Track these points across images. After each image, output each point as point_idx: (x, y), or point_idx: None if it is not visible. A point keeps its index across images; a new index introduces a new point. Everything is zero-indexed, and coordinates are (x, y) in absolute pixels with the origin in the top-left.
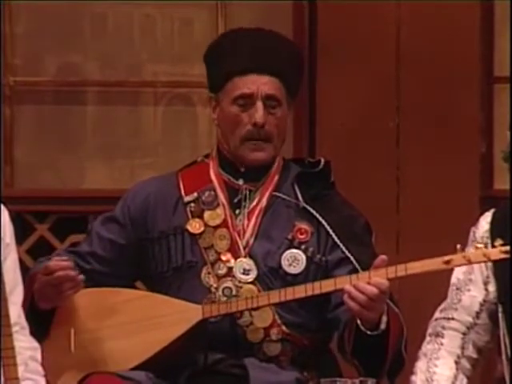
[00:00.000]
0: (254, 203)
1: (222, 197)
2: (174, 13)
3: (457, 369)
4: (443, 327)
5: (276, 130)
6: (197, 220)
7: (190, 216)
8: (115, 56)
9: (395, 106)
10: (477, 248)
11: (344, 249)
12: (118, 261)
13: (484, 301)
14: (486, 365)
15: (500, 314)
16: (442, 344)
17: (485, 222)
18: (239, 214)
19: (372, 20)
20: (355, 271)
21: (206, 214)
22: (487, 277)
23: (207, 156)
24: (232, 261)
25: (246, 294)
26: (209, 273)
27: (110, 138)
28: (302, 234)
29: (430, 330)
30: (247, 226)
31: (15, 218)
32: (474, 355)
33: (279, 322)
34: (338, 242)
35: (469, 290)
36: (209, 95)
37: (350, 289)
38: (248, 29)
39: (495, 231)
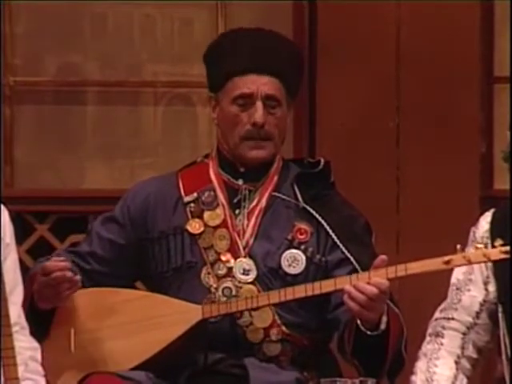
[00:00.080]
0: (254, 203)
1: (221, 197)
2: (174, 13)
3: (457, 369)
4: (443, 327)
5: (276, 129)
6: (196, 220)
7: (189, 216)
8: (115, 56)
9: (395, 106)
10: (477, 248)
11: (344, 249)
12: (117, 261)
13: (484, 301)
14: (485, 365)
15: (500, 314)
16: (442, 344)
17: (485, 221)
18: (239, 214)
19: (372, 20)
20: (355, 271)
21: (206, 215)
22: (487, 277)
23: (207, 156)
24: (232, 261)
25: (245, 294)
26: (208, 273)
27: (110, 138)
28: (301, 234)
29: (429, 330)
30: (247, 226)
31: (15, 218)
32: (474, 355)
33: (279, 322)
34: (338, 242)
35: (469, 290)
36: (209, 95)
37: (349, 289)
38: (248, 29)
39: (495, 231)
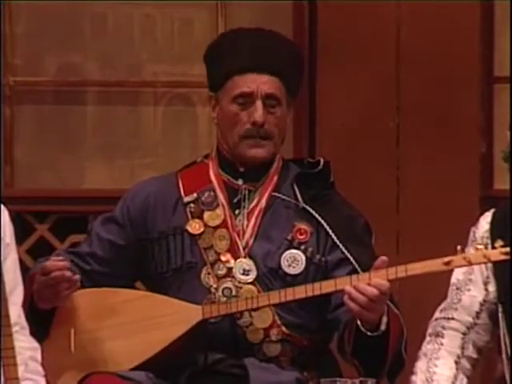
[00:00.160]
0: (254, 203)
1: (221, 197)
2: (174, 13)
3: (457, 369)
4: (443, 327)
5: (275, 129)
6: (196, 220)
7: (189, 216)
8: (115, 56)
9: (395, 106)
10: (477, 249)
11: (344, 249)
12: (117, 261)
13: (484, 301)
14: (486, 365)
15: (500, 314)
16: (442, 344)
17: (485, 221)
18: (239, 214)
19: (372, 20)
20: (355, 271)
21: (206, 215)
22: (487, 277)
23: (206, 156)
24: (232, 261)
25: (245, 294)
26: (208, 273)
27: (110, 137)
28: (301, 234)
29: (429, 330)
30: (247, 226)
31: (15, 218)
32: (474, 355)
33: (279, 322)
34: (338, 242)
35: (469, 290)
36: (209, 94)
37: (350, 290)
38: (248, 29)
39: (495, 231)
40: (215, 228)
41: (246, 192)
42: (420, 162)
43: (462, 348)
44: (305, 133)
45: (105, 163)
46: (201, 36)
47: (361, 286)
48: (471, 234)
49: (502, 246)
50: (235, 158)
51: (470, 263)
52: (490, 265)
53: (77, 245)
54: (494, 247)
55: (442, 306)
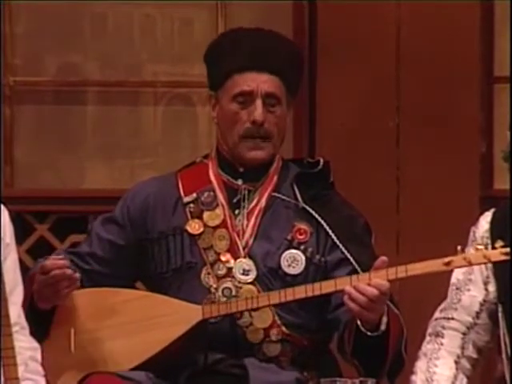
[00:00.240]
0: (254, 203)
1: (221, 197)
2: (174, 13)
3: (457, 369)
4: (443, 327)
5: (275, 128)
6: (196, 221)
7: (189, 217)
8: (115, 56)
9: (395, 106)
10: (477, 249)
11: (343, 249)
12: (117, 261)
13: (484, 301)
14: (486, 365)
15: (500, 314)
16: (441, 344)
17: (485, 221)
18: (238, 214)
19: (372, 20)
20: (355, 272)
21: (206, 215)
22: (487, 277)
23: (206, 156)
24: (231, 261)
25: (245, 294)
26: (208, 273)
27: (110, 137)
28: (301, 234)
29: (429, 330)
30: (246, 226)
31: (15, 218)
32: (474, 355)
33: (279, 322)
34: (338, 242)
35: (469, 290)
36: (209, 93)
37: (350, 290)
38: (248, 28)
39: (495, 231)
40: (215, 228)
41: (246, 192)
42: (420, 162)
43: (462, 348)
44: (305, 133)
45: (105, 163)
46: (201, 36)
47: (361, 286)
48: (471, 233)
49: (502, 247)
50: (235, 158)
51: (470, 263)
52: (489, 265)
53: (77, 245)
54: (494, 247)
55: (442, 305)
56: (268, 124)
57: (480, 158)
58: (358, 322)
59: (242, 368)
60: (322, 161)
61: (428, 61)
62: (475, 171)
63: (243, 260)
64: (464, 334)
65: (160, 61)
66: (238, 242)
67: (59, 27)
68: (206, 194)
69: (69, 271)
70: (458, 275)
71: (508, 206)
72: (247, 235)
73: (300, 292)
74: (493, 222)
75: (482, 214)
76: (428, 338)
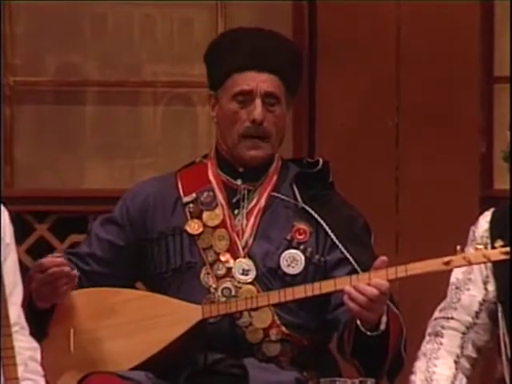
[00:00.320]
0: (253, 203)
1: (220, 197)
2: (173, 13)
3: (456, 368)
4: (442, 327)
5: (274, 127)
6: (195, 221)
7: (188, 217)
8: (115, 56)
9: (395, 106)
10: (477, 249)
11: (343, 249)
12: (117, 262)
13: (483, 300)
14: (485, 365)
15: (499, 314)
16: (441, 344)
17: (484, 221)
18: (238, 214)
19: (372, 20)
20: (354, 271)
21: (205, 215)
22: (486, 276)
23: (205, 156)
24: (231, 261)
25: (245, 294)
26: (208, 273)
27: (110, 138)
28: (300, 234)
29: (429, 330)
30: (246, 226)
31: (15, 218)
32: (474, 355)
33: (278, 322)
34: (337, 242)
35: (468, 290)
36: (208, 93)
37: (350, 290)
38: (248, 28)
39: (495, 230)
40: (214, 228)
41: (245, 192)
42: (420, 162)
43: (462, 348)
44: (304, 132)
45: (105, 163)
46: (201, 36)
47: (360, 285)
48: (471, 233)
49: (502, 246)
50: (234, 158)
51: (469, 263)
52: (489, 264)
53: (76, 245)
54: (493, 247)
55: (442, 305)
56: (267, 123)
57: (480, 158)
58: (358, 322)
59: (241, 368)
60: (321, 161)
61: (428, 61)
62: (475, 171)
63: (243, 260)
64: (463, 333)
65: (160, 61)
66: (238, 242)
67: (59, 27)
68: (205, 194)
69: (67, 268)
70: (457, 275)
71: (508, 205)
72: (247, 235)
73: (299, 292)
74: (492, 222)
75: (481, 213)
76: (427, 338)
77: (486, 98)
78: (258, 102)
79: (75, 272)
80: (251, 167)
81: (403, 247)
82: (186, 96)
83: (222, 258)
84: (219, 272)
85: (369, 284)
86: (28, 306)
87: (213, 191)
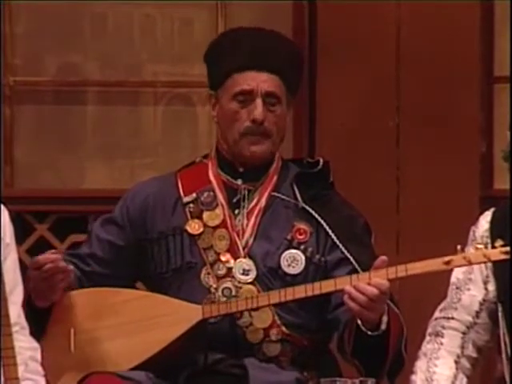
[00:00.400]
0: (253, 203)
1: (220, 197)
2: (174, 13)
3: (457, 368)
4: (443, 327)
5: (275, 127)
6: (196, 221)
7: (189, 217)
8: (115, 56)
9: (395, 106)
10: (477, 249)
11: (343, 249)
12: (117, 262)
13: (484, 300)
14: (485, 364)
15: (500, 314)
16: (441, 343)
17: (485, 221)
18: (238, 214)
19: (372, 20)
20: (354, 271)
21: (205, 215)
22: (487, 276)
23: (205, 156)
24: (231, 261)
25: (245, 294)
26: (208, 273)
27: (110, 137)
28: (301, 234)
29: (429, 330)
30: (246, 226)
31: (15, 218)
32: (474, 355)
33: (279, 322)
34: (338, 242)
35: (468, 290)
36: (208, 93)
37: (350, 289)
38: (248, 28)
39: (495, 230)
40: (215, 228)
41: (246, 192)
42: (420, 161)
43: (462, 347)
44: (305, 133)
45: (105, 163)
46: (201, 36)
47: (361, 285)
48: (471, 233)
49: (502, 246)
50: (235, 157)
51: (469, 263)
52: (489, 264)
53: (76, 245)
54: (493, 247)
55: (442, 305)
56: (268, 123)
57: (480, 158)
58: (359, 322)
59: (241, 368)
60: (321, 161)
61: (428, 61)
62: (475, 171)
63: (243, 260)
64: (464, 333)
65: (160, 61)
66: (238, 242)
67: (59, 27)
68: (205, 194)
69: (62, 263)
70: (457, 274)
71: (508, 205)
72: (247, 235)
73: (300, 291)
74: (493, 222)
75: (481, 213)
76: (428, 338)
77: (485, 97)
78: (259, 101)
79: (71, 267)
80: (252, 166)
81: (404, 247)
82: (186, 96)
83: (223, 258)
84: (219, 272)
85: (369, 284)
86: (27, 305)
87: (213, 191)
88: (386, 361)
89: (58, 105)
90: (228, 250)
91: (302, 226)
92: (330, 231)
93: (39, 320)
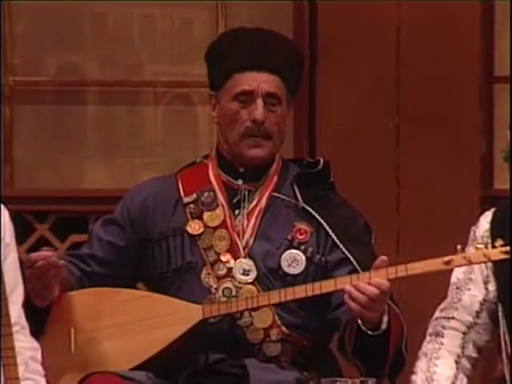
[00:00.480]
0: (254, 204)
1: (221, 197)
2: (174, 13)
3: (457, 368)
4: (443, 327)
5: (275, 127)
6: (196, 221)
7: (189, 217)
8: (115, 56)
9: (395, 106)
10: (477, 248)
11: (344, 249)
12: (117, 262)
13: (484, 300)
14: (486, 364)
15: (500, 313)
16: (442, 343)
17: (485, 221)
18: (238, 214)
19: (372, 20)
20: (355, 271)
21: (206, 215)
22: (487, 276)
23: (206, 157)
24: (232, 261)
25: (245, 294)
26: (208, 273)
27: (110, 138)
28: (301, 234)
29: (430, 330)
30: (247, 226)
31: (15, 218)
32: (474, 355)
33: (279, 322)
34: (338, 242)
35: (469, 290)
36: (209, 93)
37: (350, 289)
38: (248, 28)
39: (495, 230)
40: (215, 228)
41: (246, 192)
42: (420, 162)
43: (462, 347)
44: (305, 133)
45: (105, 163)
46: (201, 36)
47: (361, 285)
48: (471, 233)
49: (502, 246)
50: (235, 157)
51: (470, 262)
52: (489, 264)
53: (77, 245)
54: (494, 246)
55: (442, 305)
56: (268, 123)
57: (480, 158)
58: (359, 322)
59: (242, 368)
60: (321, 161)
61: (428, 61)
62: (475, 171)
63: (243, 260)
64: (464, 333)
65: (160, 61)
66: (238, 242)
67: (59, 27)
68: (205, 195)
69: (52, 259)
70: (458, 274)
71: (508, 205)
72: (247, 235)
73: (300, 291)
74: (493, 222)
75: (482, 213)
76: (428, 338)
77: (485, 97)
78: (260, 102)
79: (62, 262)
80: (252, 167)
81: (404, 247)
82: (187, 96)
83: (223, 259)
84: (220, 272)
85: (369, 283)
86: (26, 305)
87: (213, 191)
88: (386, 360)
89: (58, 105)
90: (228, 251)
91: (303, 226)
92: (330, 231)
93: (39, 320)
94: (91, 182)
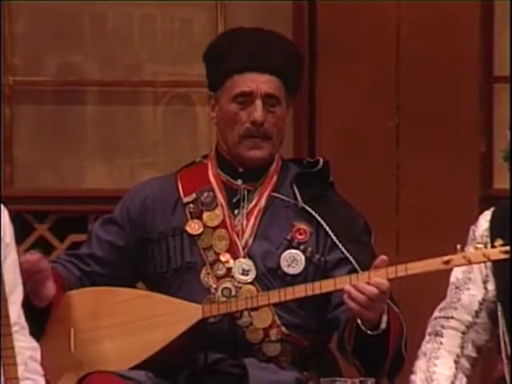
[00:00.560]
0: (253, 203)
1: (220, 197)
2: (174, 13)
3: (456, 368)
4: (442, 326)
5: (275, 128)
6: (196, 221)
7: (188, 217)
8: (115, 56)
9: (395, 106)
10: (476, 248)
11: (343, 249)
12: (117, 262)
13: (483, 300)
14: (485, 364)
15: (499, 313)
16: (441, 343)
17: (484, 220)
18: (238, 214)
19: (372, 20)
20: (354, 271)
21: (205, 215)
22: (486, 276)
23: (205, 157)
24: (231, 261)
25: (245, 294)
26: (208, 273)
27: (110, 137)
28: (300, 234)
29: (429, 330)
30: (246, 226)
31: (15, 218)
32: (474, 354)
33: (278, 322)
34: (337, 242)
35: (468, 289)
36: (208, 93)
37: (349, 289)
38: (248, 28)
39: (495, 230)
40: (214, 228)
41: (245, 192)
42: (420, 161)
43: (462, 347)
44: (305, 133)
45: (105, 163)
46: (201, 36)
47: (360, 284)
48: (471, 232)
49: (502, 245)
50: (234, 158)
51: (469, 262)
52: (489, 264)
53: (76, 244)
54: (493, 246)
55: (442, 305)
56: (268, 124)
57: (480, 158)
58: (359, 321)
59: (241, 368)
60: (321, 160)
61: (428, 61)
62: (475, 171)
63: (243, 260)
64: (463, 333)
65: (160, 61)
66: (238, 242)
67: (59, 27)
68: (205, 195)
69: (32, 258)
70: (457, 274)
71: (508, 205)
72: (247, 235)
73: (300, 291)
74: (492, 221)
75: (481, 213)
76: (427, 338)
77: (485, 97)
78: (259, 103)
79: (37, 256)
80: (251, 167)
81: (403, 247)
82: (186, 96)
83: (222, 258)
84: (219, 272)
85: (369, 283)
86: (26, 305)
87: (213, 191)
88: (385, 360)
89: (58, 105)
90: (228, 250)
91: (302, 225)
92: (329, 231)
93: (38, 320)
94: (91, 182)
